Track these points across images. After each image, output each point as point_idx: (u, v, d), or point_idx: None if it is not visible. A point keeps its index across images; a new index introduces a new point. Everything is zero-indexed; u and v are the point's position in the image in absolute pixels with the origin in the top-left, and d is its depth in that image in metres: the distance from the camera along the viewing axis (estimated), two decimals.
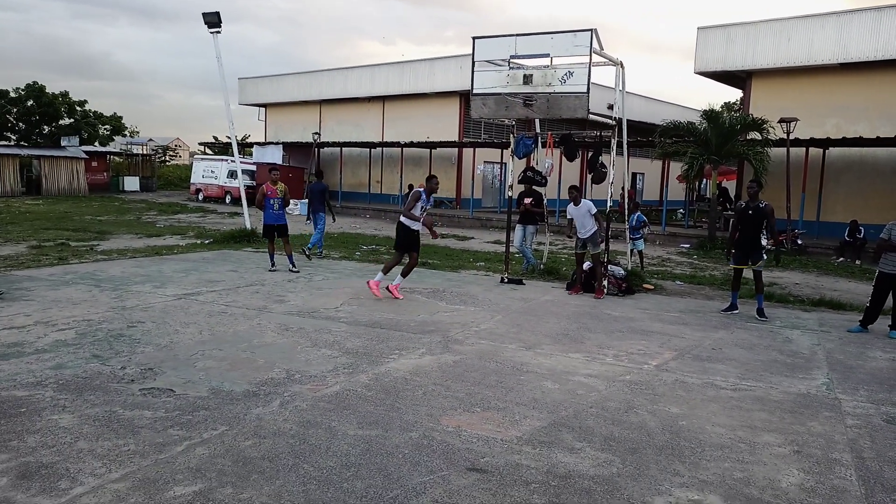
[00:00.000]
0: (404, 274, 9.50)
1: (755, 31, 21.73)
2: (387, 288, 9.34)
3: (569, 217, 10.62)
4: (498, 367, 6.09)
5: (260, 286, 9.79)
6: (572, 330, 7.81)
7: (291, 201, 26.08)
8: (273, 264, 11.32)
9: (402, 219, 9.47)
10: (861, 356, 7.07)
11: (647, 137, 24.37)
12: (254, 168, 31.48)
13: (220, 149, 44.44)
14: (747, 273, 9.28)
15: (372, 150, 32.59)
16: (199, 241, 15.42)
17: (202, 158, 37.02)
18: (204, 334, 6.81)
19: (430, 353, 6.44)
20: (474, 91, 10.85)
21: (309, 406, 4.85)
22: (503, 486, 3.72)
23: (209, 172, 33.79)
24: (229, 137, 18.05)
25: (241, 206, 17.20)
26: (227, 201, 31.62)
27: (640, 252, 13.44)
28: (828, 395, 5.63)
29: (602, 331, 7.84)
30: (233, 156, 19.09)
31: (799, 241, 18.03)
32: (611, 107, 10.97)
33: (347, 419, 4.62)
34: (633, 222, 13.05)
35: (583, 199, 10.43)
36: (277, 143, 34.44)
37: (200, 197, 33.59)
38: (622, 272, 10.89)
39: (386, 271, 9.48)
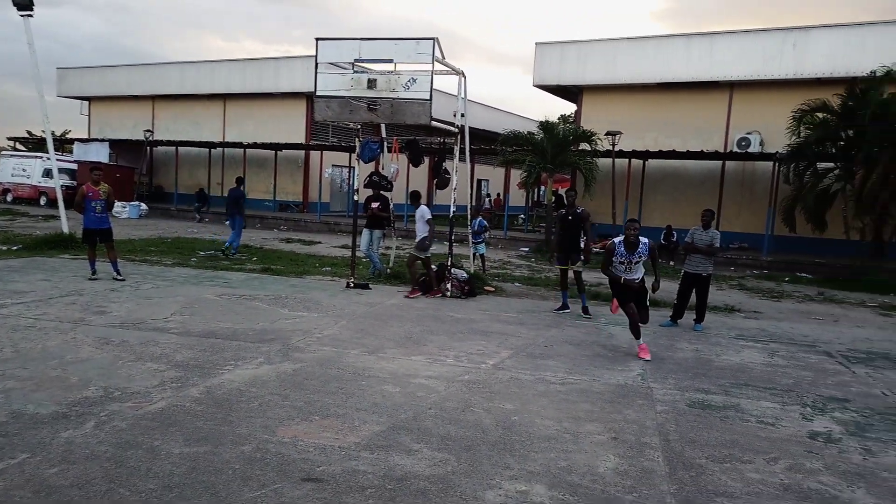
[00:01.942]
0: (634, 332, 7.48)
1: (586, 50, 23.49)
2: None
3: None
4: (339, 373, 6.01)
5: (77, 296, 8.90)
6: (416, 333, 7.91)
7: (117, 203, 24.10)
8: (94, 272, 10.34)
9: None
10: (671, 348, 7.84)
11: (490, 145, 25.40)
12: (75, 167, 28.64)
13: (34, 145, 39.94)
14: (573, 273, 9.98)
15: (212, 150, 30.95)
16: (4, 248, 13.70)
17: (12, 155, 33.09)
18: (5, 352, 6.05)
19: (269, 363, 6.22)
20: (318, 93, 10.68)
21: (129, 425, 4.48)
22: (338, 493, 3.67)
23: (20, 171, 30.27)
24: (45, 132, 16.25)
25: (59, 208, 15.56)
26: (42, 203, 28.53)
27: (482, 255, 13.94)
28: (642, 385, 6.18)
29: (444, 333, 8.01)
30: (49, 153, 17.20)
31: None
32: (462, 115, 11.31)
33: (173, 437, 4.32)
34: (476, 227, 13.52)
35: (421, 205, 10.79)
36: (103, 141, 31.56)
37: (9, 198, 30.00)
38: (465, 275, 11.24)
39: (637, 335, 7.53)
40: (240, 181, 15.43)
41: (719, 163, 21.86)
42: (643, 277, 7.61)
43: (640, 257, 7.34)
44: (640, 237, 7.30)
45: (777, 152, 18.45)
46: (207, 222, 26.05)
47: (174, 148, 30.78)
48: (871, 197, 14.94)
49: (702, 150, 20.76)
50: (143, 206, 27.24)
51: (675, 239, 18.88)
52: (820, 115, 16.49)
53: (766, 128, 20.62)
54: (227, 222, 14.75)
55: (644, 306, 7.58)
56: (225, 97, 31.70)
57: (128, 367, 5.80)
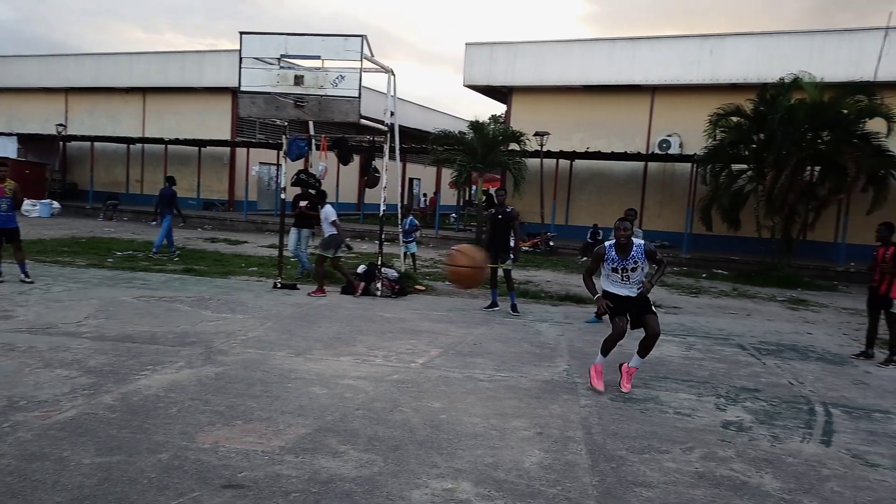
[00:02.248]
0: (641, 352, 6.17)
1: (515, 51, 23.82)
2: (619, 367, 6.27)
3: None
4: (264, 375, 5.86)
5: None
6: (345, 333, 7.81)
7: (27, 201, 22.78)
8: None
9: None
10: (595, 343, 7.96)
11: (421, 144, 25.41)
12: None
13: None
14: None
15: (131, 146, 29.65)
16: None
17: None
18: None
19: (190, 367, 6.00)
20: (242, 89, 10.40)
21: (35, 436, 4.22)
22: (260, 499, 3.58)
23: None
24: None
25: None
26: None
27: (412, 255, 13.92)
28: (567, 380, 6.32)
29: (374, 332, 7.95)
30: None
31: (551, 243, 20.10)
32: (391, 113, 11.24)
33: (84, 447, 4.10)
34: (406, 226, 13.48)
35: (326, 206, 10.76)
36: (11, 135, 29.70)
37: None
38: (395, 274, 11.20)
39: (605, 352, 6.24)
40: (171, 180, 15.26)
41: (642, 164, 22.62)
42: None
43: (637, 262, 5.99)
44: (632, 238, 6.02)
45: (695, 154, 19.24)
46: (126, 220, 25.03)
47: (89, 143, 29.30)
48: (780, 197, 15.82)
49: (625, 152, 21.44)
50: (56, 204, 25.83)
51: (600, 237, 19.43)
52: (734, 119, 17.29)
53: (685, 130, 21.48)
54: (154, 223, 14.33)
55: (651, 312, 6.10)
56: (145, 91, 30.40)
57: (35, 375, 5.47)
